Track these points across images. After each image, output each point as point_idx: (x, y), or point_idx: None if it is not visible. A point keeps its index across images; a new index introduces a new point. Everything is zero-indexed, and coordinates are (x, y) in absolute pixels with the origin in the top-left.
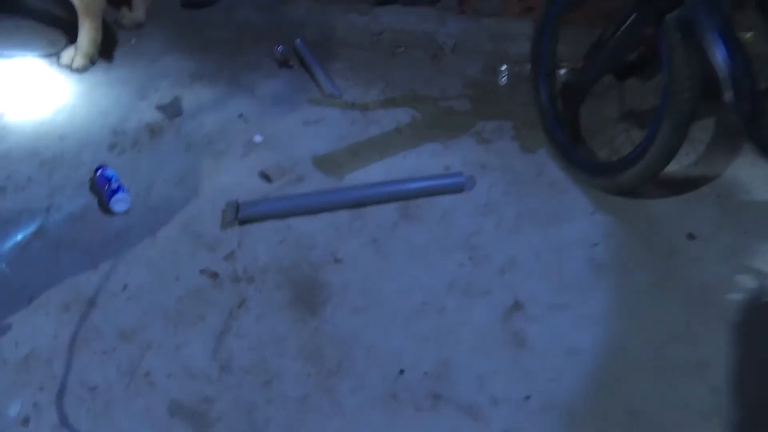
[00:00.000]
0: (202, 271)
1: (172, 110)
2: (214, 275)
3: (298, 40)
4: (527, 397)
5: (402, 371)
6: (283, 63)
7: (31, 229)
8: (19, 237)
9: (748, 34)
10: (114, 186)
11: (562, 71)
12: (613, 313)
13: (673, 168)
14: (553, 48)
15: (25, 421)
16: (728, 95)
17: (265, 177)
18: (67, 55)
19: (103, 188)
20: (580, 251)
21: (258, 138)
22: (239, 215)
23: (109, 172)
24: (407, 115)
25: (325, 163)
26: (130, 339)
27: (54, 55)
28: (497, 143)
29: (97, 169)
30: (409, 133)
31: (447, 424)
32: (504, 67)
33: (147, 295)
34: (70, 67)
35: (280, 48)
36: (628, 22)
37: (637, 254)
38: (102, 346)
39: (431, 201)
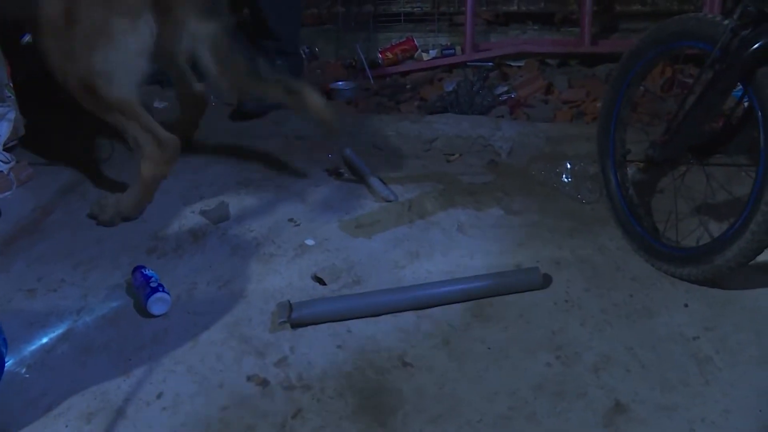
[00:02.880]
0: (249, 378)
1: (217, 215)
2: (264, 382)
3: (347, 150)
4: None
5: None
6: (333, 172)
7: (58, 331)
8: (45, 340)
9: None
10: (153, 285)
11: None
12: (735, 414)
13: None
14: (621, 134)
15: None
16: None
17: (319, 280)
18: (98, 205)
19: (141, 288)
20: (679, 346)
21: (310, 241)
22: (292, 317)
23: (149, 272)
24: (470, 216)
25: (384, 263)
26: None
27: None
28: (568, 240)
29: (135, 269)
30: (474, 234)
31: None
32: (567, 165)
33: (186, 405)
34: (97, 218)
35: (330, 156)
36: (709, 86)
37: (746, 348)
38: None
39: (506, 300)
